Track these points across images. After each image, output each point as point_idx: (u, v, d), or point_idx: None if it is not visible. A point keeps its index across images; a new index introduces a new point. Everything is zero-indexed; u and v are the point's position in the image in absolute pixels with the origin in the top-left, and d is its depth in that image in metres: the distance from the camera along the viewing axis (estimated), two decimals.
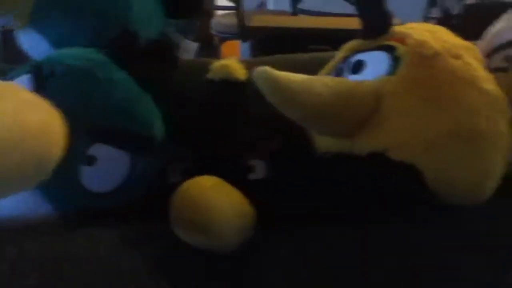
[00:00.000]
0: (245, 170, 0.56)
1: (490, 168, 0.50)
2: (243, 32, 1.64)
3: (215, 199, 0.50)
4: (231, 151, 0.57)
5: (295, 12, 1.89)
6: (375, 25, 0.57)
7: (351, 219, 0.53)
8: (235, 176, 0.55)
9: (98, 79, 0.53)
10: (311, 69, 0.68)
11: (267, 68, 0.48)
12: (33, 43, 0.65)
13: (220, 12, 2.59)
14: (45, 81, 0.53)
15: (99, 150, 0.54)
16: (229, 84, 0.59)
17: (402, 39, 0.55)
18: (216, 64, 0.60)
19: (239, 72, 0.60)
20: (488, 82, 0.53)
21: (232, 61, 0.61)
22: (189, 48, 0.80)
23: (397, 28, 0.57)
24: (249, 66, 0.63)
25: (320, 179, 0.56)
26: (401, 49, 0.54)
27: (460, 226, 0.54)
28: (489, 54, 0.63)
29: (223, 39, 2.25)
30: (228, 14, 2.39)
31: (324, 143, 0.57)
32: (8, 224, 0.52)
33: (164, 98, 0.60)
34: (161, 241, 0.54)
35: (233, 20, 2.05)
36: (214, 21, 2.30)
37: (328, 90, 0.50)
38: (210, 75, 0.60)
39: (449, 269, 0.51)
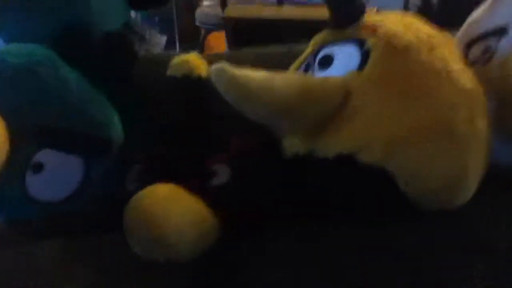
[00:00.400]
0: (207, 175, 0.52)
1: (467, 168, 0.47)
2: (227, 27, 1.59)
3: (170, 209, 0.46)
4: (193, 154, 0.53)
5: (281, 1, 1.85)
6: (345, 14, 0.53)
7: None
8: (196, 182, 0.51)
9: (43, 78, 0.49)
10: (287, 62, 0.65)
11: (224, 66, 0.44)
12: None
13: (205, 2, 2.54)
14: None
15: (48, 155, 0.50)
16: (190, 81, 0.55)
17: (373, 29, 0.51)
18: (177, 60, 0.56)
19: (201, 68, 0.56)
20: (465, 77, 0.49)
21: (193, 56, 0.57)
22: (157, 41, 0.76)
23: (369, 18, 0.53)
24: (214, 61, 0.59)
25: (287, 184, 0.53)
26: (371, 41, 0.50)
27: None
28: (468, 45, 0.59)
29: (209, 31, 2.20)
30: (213, 4, 2.34)
31: (292, 143, 0.53)
32: None
33: (122, 96, 0.56)
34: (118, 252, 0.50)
35: (218, 11, 2.00)
36: (198, 12, 2.25)
37: (291, 88, 0.46)
38: (170, 72, 0.56)
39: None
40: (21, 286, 0.45)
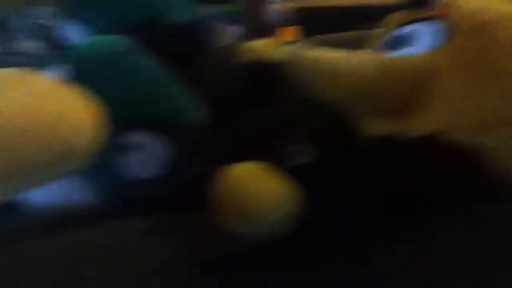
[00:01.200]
0: (285, 156, 0.52)
1: None
2: (297, 17, 1.58)
3: (258, 187, 0.47)
4: (269, 137, 0.53)
5: None
6: None
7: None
8: (275, 163, 0.52)
9: (126, 67, 0.52)
10: (358, 47, 0.64)
11: (300, 48, 0.45)
12: (71, 34, 0.65)
13: None
14: (75, 70, 0.53)
15: (132, 137, 0.53)
16: (263, 66, 0.55)
17: (454, 7, 0.49)
18: (249, 45, 0.57)
19: (273, 53, 0.56)
20: None
21: (265, 42, 0.58)
22: (228, 33, 0.78)
23: None
24: (288, 47, 0.59)
25: (367, 164, 0.52)
26: (451, 18, 0.48)
27: None
28: None
29: (279, 26, 2.21)
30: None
31: (371, 126, 0.52)
32: (46, 213, 0.53)
33: (197, 83, 0.58)
34: (190, 232, 0.52)
35: (288, 6, 2.00)
36: (268, 7, 2.26)
37: (369, 67, 0.45)
38: (243, 57, 0.57)
39: None
40: (114, 261, 0.48)
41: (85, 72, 0.53)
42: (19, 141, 0.36)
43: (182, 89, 0.56)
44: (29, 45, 1.02)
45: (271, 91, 0.56)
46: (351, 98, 0.47)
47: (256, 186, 0.47)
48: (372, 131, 0.51)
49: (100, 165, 0.51)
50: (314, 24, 1.18)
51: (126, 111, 0.52)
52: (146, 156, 0.53)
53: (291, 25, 2.12)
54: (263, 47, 0.57)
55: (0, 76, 0.39)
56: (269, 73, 0.55)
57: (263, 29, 2.44)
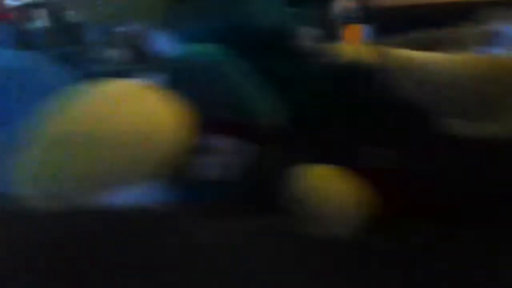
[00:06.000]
0: (364, 158, 0.53)
1: None
2: (367, 15, 1.55)
3: (329, 190, 0.48)
4: (349, 138, 0.54)
5: None
6: None
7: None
8: (356, 164, 0.52)
9: (225, 75, 0.55)
10: (447, 45, 0.62)
11: (395, 51, 0.45)
12: (164, 44, 0.69)
13: None
14: (172, 78, 0.56)
15: (213, 140, 0.55)
16: (355, 68, 0.56)
17: None
18: (342, 47, 0.58)
19: (367, 56, 0.56)
20: None
21: (360, 44, 0.58)
22: (308, 35, 0.79)
23: None
24: (378, 49, 0.59)
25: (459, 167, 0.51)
26: None
27: None
28: None
29: (345, 23, 2.18)
30: None
31: (455, 127, 0.51)
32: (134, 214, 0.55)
33: (284, 86, 0.60)
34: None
35: (355, 3, 1.97)
36: (336, 4, 2.23)
37: (473, 67, 0.44)
38: (336, 59, 0.58)
39: None
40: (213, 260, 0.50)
41: (181, 80, 0.55)
42: (121, 150, 0.39)
43: (266, 92, 0.58)
44: (114, 53, 1.08)
45: (362, 92, 0.56)
46: (440, 98, 0.46)
47: (335, 188, 0.48)
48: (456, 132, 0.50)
49: (182, 167, 0.53)
50: (390, 23, 1.16)
51: (210, 115, 0.54)
52: (225, 158, 0.55)
53: (357, 23, 2.08)
54: (353, 49, 0.57)
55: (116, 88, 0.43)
56: (361, 75, 0.56)
57: (331, 29, 2.41)
